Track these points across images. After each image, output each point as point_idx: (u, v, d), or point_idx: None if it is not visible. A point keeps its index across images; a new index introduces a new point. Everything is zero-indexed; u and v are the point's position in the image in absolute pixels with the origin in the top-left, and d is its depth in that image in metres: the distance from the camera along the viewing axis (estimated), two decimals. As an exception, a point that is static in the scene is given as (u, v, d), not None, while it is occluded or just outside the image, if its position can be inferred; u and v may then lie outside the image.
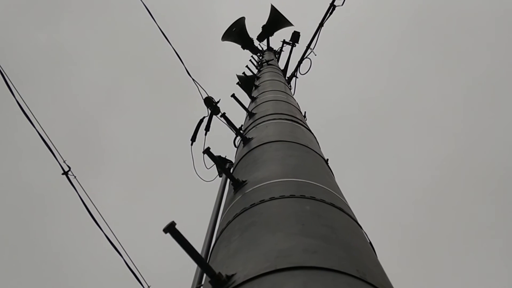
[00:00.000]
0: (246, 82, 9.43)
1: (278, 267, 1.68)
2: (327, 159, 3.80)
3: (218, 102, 6.32)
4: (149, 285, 7.35)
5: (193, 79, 6.95)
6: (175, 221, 1.82)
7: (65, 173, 7.05)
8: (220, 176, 5.34)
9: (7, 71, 6.56)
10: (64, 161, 6.98)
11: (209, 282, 1.80)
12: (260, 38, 12.51)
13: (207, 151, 3.05)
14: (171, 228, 1.79)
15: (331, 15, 9.78)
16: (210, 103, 6.37)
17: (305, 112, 5.63)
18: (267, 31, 12.46)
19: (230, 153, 5.51)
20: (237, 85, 8.92)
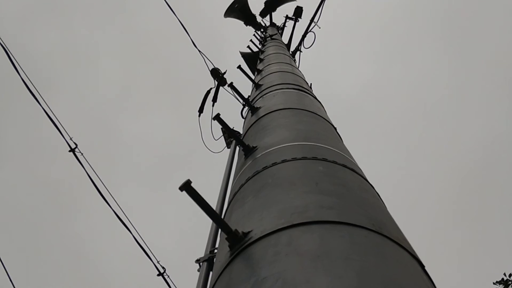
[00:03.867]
0: (250, 58, 9.39)
1: (295, 222, 1.68)
2: (335, 128, 3.79)
3: (224, 73, 6.30)
4: (158, 260, 7.42)
5: (199, 51, 6.94)
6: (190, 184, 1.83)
7: (72, 150, 7.07)
8: (228, 147, 5.34)
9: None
10: (70, 138, 6.99)
11: (226, 239, 1.81)
12: (263, 14, 12.41)
13: (217, 117, 3.05)
14: (187, 186, 1.80)
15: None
16: (216, 74, 6.33)
17: (311, 84, 5.60)
18: (270, 6, 12.35)
19: (236, 128, 5.51)
20: (240, 67, 8.88)
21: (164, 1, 8.06)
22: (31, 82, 6.74)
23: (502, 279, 15.14)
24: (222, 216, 2.57)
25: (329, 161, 2.38)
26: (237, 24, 12.39)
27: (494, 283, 15.28)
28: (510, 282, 14.97)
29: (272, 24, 12.15)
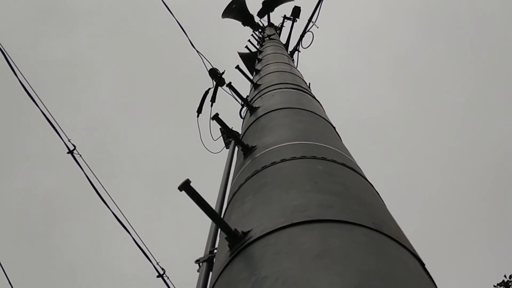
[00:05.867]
0: (249, 59, 9.38)
1: (294, 221, 1.68)
2: (335, 127, 3.78)
3: (223, 73, 6.29)
4: (158, 261, 7.41)
5: (197, 51, 6.93)
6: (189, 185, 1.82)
7: (70, 152, 7.05)
8: (227, 148, 5.34)
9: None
10: (69, 140, 6.97)
11: (225, 239, 1.80)
12: (261, 14, 12.41)
13: (215, 117, 3.04)
14: (186, 186, 1.79)
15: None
16: (215, 74, 6.33)
17: (309, 83, 5.60)
18: (268, 7, 12.35)
19: (235, 128, 5.50)
20: (238, 67, 8.89)
21: (163, 5, 8.04)
22: (27, 82, 6.73)
23: (503, 281, 15.14)
24: (222, 216, 2.57)
25: (329, 160, 2.37)
26: (235, 24, 12.39)
27: (494, 286, 15.28)
28: (510, 283, 14.97)
29: (270, 24, 12.15)
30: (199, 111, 6.40)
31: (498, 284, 15.18)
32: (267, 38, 9.25)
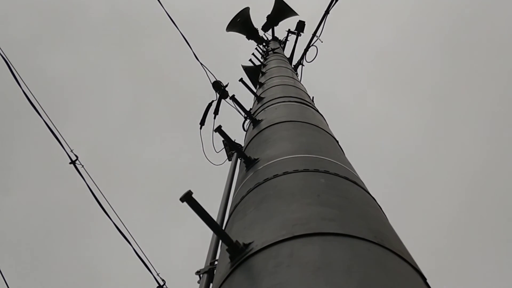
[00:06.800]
0: (253, 72, 9.42)
1: (296, 234, 1.68)
2: (338, 141, 3.79)
3: (226, 86, 6.32)
4: (158, 272, 7.39)
5: (201, 63, 6.96)
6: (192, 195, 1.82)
7: (73, 162, 7.06)
8: (229, 160, 5.35)
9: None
10: (71, 150, 6.99)
11: (226, 250, 1.80)
12: (265, 28, 12.48)
13: (218, 129, 3.05)
14: (187, 197, 1.79)
15: (337, 2, 9.70)
16: (218, 87, 6.36)
17: (313, 97, 5.62)
18: (272, 21, 12.42)
19: (237, 141, 5.50)
20: (242, 80, 8.93)
21: (169, 19, 8.10)
22: (29, 90, 6.76)
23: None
24: (223, 228, 2.56)
25: (331, 174, 2.37)
26: (240, 38, 12.46)
27: None
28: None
29: (274, 38, 12.21)
30: (202, 123, 6.43)
31: None
32: (271, 51, 9.29)
